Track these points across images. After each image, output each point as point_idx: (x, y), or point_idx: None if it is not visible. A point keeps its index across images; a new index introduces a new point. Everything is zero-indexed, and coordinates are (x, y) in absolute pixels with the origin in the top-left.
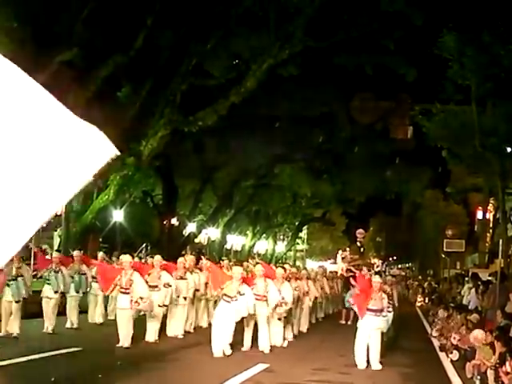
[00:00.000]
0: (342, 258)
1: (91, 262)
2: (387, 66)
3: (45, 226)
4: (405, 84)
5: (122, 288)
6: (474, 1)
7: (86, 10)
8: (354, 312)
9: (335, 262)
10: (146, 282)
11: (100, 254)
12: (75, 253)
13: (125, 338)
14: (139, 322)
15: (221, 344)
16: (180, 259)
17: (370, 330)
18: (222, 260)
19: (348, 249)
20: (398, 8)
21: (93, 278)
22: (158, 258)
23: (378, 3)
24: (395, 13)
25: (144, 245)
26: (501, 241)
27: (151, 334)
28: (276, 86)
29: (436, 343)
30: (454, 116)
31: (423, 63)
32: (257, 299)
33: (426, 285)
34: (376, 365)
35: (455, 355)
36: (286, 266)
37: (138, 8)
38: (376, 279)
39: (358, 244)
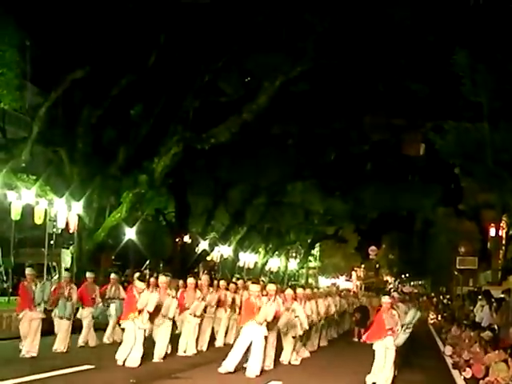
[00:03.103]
0: (358, 276)
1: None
2: (399, 83)
3: (53, 243)
4: (417, 101)
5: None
6: (486, 18)
7: (98, 28)
8: (366, 330)
9: (349, 279)
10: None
11: (112, 276)
12: (88, 274)
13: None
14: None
15: (236, 361)
16: (190, 280)
17: (386, 349)
18: (238, 279)
19: (363, 266)
20: (410, 24)
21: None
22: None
23: (390, 19)
24: (407, 29)
25: (148, 261)
26: None
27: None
28: (288, 103)
29: (449, 361)
30: (466, 133)
31: (436, 80)
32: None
33: (438, 302)
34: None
35: (468, 373)
36: (299, 290)
37: (150, 26)
38: (385, 299)
39: (376, 260)
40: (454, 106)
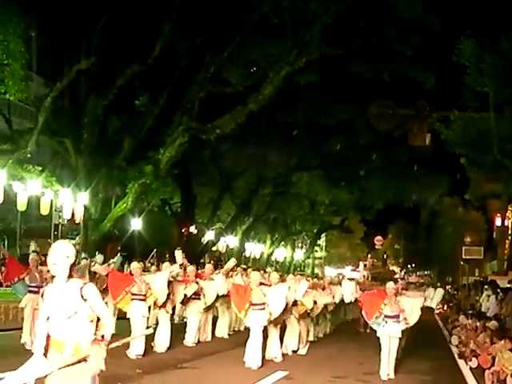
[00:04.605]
0: (364, 266)
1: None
2: (405, 73)
3: (57, 233)
4: (423, 91)
5: (135, 295)
6: (492, 7)
7: (103, 19)
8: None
9: (355, 269)
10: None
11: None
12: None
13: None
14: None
15: (258, 355)
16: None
17: (390, 338)
18: (245, 269)
19: (370, 255)
20: (416, 14)
21: None
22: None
23: (394, 9)
24: (412, 19)
25: (155, 250)
26: None
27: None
28: (293, 94)
29: (455, 350)
30: (472, 123)
31: (441, 70)
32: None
33: (444, 292)
34: (392, 373)
35: (474, 362)
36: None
37: (154, 17)
38: (390, 285)
39: (383, 250)
40: (459, 95)
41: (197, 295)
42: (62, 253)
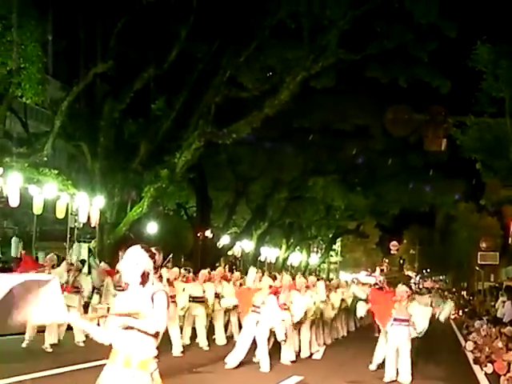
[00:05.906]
0: (381, 271)
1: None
2: (421, 79)
3: (70, 236)
4: (439, 96)
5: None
6: (508, 13)
7: (120, 23)
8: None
9: (370, 274)
10: None
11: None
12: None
13: None
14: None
15: (241, 356)
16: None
17: (399, 341)
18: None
19: (387, 261)
20: (432, 20)
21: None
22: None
23: (411, 15)
24: (429, 25)
25: (171, 255)
26: None
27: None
28: (310, 99)
29: (470, 356)
30: (488, 128)
31: (457, 76)
32: (284, 309)
33: (459, 297)
34: (407, 377)
35: (489, 368)
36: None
37: (171, 21)
38: (401, 288)
39: (400, 255)
40: (475, 101)
41: (201, 298)
42: (131, 259)
